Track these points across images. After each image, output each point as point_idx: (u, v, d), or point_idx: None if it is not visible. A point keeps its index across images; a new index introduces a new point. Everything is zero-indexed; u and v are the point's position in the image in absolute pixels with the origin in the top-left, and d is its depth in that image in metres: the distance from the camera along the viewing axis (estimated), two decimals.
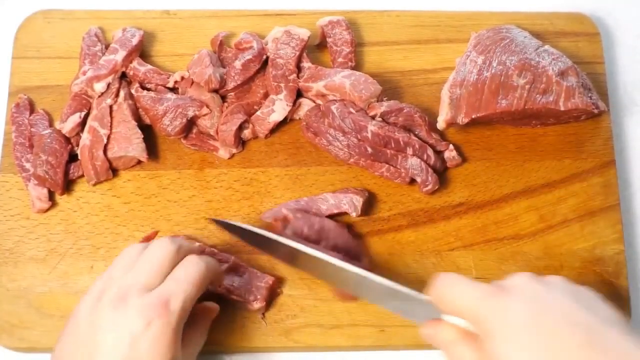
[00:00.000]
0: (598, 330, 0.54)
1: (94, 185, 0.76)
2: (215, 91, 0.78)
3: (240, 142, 0.78)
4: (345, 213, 0.74)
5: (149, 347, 0.59)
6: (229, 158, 0.77)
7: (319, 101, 0.78)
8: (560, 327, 0.54)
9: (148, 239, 0.73)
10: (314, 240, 0.71)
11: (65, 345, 0.61)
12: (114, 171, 0.76)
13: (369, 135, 0.74)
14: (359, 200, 0.74)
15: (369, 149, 0.75)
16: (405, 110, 0.76)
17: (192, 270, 0.63)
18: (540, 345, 0.53)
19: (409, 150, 0.75)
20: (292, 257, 0.69)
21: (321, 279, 0.71)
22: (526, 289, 0.57)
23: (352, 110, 0.75)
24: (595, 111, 0.75)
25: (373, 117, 0.76)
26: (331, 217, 0.74)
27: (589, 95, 0.75)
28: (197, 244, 0.73)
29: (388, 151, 0.75)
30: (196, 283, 0.63)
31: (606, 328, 0.54)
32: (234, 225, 0.71)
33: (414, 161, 0.75)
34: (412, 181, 0.76)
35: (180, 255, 0.64)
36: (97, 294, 0.62)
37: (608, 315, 0.56)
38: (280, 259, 0.71)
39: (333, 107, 0.75)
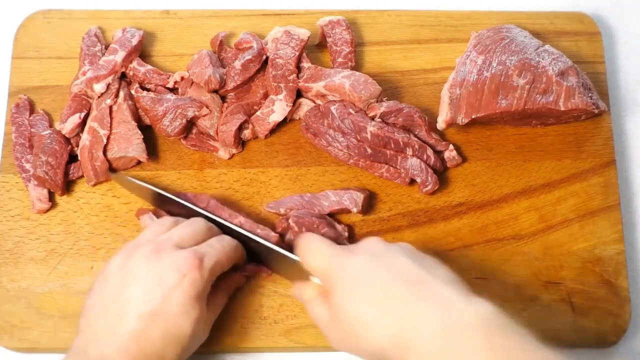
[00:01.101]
0: (429, 285, 0.58)
1: (94, 186, 0.76)
2: (215, 91, 0.78)
3: (240, 142, 0.78)
4: (346, 211, 0.74)
5: (181, 299, 0.62)
6: (228, 158, 0.77)
7: (318, 101, 0.78)
8: (394, 281, 0.58)
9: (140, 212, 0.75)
10: None
11: (95, 301, 0.63)
12: (115, 172, 0.76)
13: (369, 136, 0.74)
14: (359, 197, 0.74)
15: (369, 150, 0.75)
16: (404, 111, 0.76)
17: (225, 242, 0.68)
18: (372, 297, 0.58)
19: (409, 151, 0.75)
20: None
21: None
22: (370, 248, 0.62)
23: (351, 111, 0.75)
24: (596, 111, 0.75)
25: (372, 118, 0.76)
26: (332, 214, 0.74)
27: (589, 95, 0.75)
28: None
29: (388, 152, 0.75)
30: (227, 253, 0.67)
31: (437, 284, 0.58)
32: (136, 184, 0.74)
33: (413, 162, 0.75)
34: (412, 182, 0.76)
35: (211, 235, 0.68)
36: (127, 253, 0.64)
37: (442, 274, 0.60)
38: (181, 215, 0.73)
39: (332, 108, 0.75)
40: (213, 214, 0.72)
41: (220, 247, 0.66)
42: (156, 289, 0.61)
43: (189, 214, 0.72)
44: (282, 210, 0.74)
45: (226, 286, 0.70)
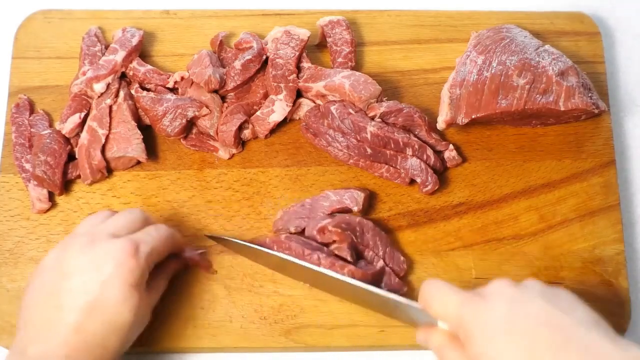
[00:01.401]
0: (574, 331, 0.55)
1: (90, 184, 0.76)
2: (215, 91, 0.78)
3: (240, 142, 0.78)
4: (347, 210, 0.74)
5: (118, 287, 0.61)
6: (228, 158, 0.77)
7: (318, 101, 0.78)
8: (537, 329, 0.56)
9: None
10: None
11: (32, 298, 0.63)
12: (112, 171, 0.76)
13: (368, 136, 0.74)
14: (360, 196, 0.74)
15: (368, 150, 0.75)
16: (404, 111, 0.76)
17: (161, 230, 0.67)
18: (519, 345, 0.55)
19: (409, 151, 0.75)
20: (283, 267, 0.72)
21: (315, 287, 0.73)
22: (503, 293, 0.59)
23: (351, 111, 0.75)
24: (596, 111, 0.75)
25: (372, 118, 0.76)
26: (333, 213, 0.75)
27: (589, 95, 0.75)
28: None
29: (387, 152, 0.75)
30: (163, 240, 0.66)
31: (582, 329, 0.55)
32: (229, 240, 0.73)
33: (413, 162, 0.75)
34: (412, 182, 0.76)
35: (147, 224, 0.68)
36: (62, 246, 0.64)
37: (584, 317, 0.57)
38: (273, 268, 0.73)
39: (332, 108, 0.75)
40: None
41: (156, 235, 0.66)
42: (93, 279, 0.61)
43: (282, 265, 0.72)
44: (292, 229, 0.74)
45: (165, 271, 0.70)
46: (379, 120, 0.76)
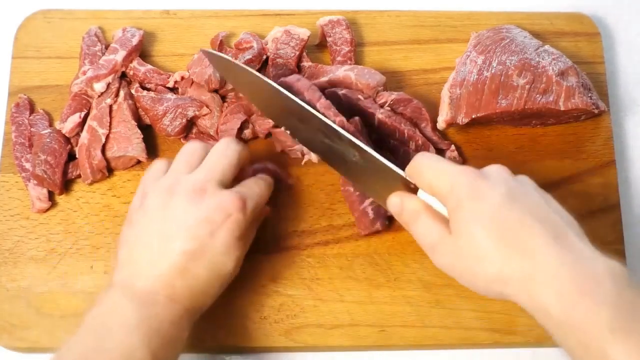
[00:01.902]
0: (563, 230, 0.57)
1: (90, 184, 0.76)
2: (215, 91, 0.78)
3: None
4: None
5: (225, 237, 0.63)
6: None
7: None
8: (530, 221, 0.57)
9: None
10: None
11: (136, 236, 0.65)
12: (112, 171, 0.76)
13: (376, 122, 0.74)
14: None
15: (373, 135, 0.75)
16: (413, 102, 0.76)
17: (261, 183, 0.69)
18: (505, 232, 0.57)
19: (412, 145, 0.75)
20: (274, 106, 0.72)
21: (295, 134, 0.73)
22: (503, 177, 0.61)
23: (360, 97, 0.75)
24: (595, 111, 0.75)
25: (381, 106, 0.76)
26: None
27: (589, 95, 0.75)
28: None
29: (391, 141, 0.75)
30: (264, 195, 0.69)
31: (571, 233, 0.57)
32: (223, 59, 0.73)
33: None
34: None
35: (242, 156, 0.68)
36: (166, 188, 0.65)
37: (575, 226, 0.59)
38: (265, 110, 0.73)
39: (341, 93, 0.75)
40: (304, 101, 0.70)
41: (259, 190, 0.68)
42: (202, 227, 0.63)
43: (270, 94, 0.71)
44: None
45: (256, 220, 0.71)
46: (388, 108, 0.76)
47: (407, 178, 0.66)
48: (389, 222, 0.74)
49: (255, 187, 0.68)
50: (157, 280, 0.62)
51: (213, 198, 0.64)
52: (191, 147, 0.69)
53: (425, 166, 0.64)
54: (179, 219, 0.63)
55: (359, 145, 0.68)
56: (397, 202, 0.67)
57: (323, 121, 0.69)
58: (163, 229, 0.63)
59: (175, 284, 0.62)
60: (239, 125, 0.76)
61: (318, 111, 0.70)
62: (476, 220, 0.58)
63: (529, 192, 0.60)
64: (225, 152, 0.67)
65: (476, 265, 0.58)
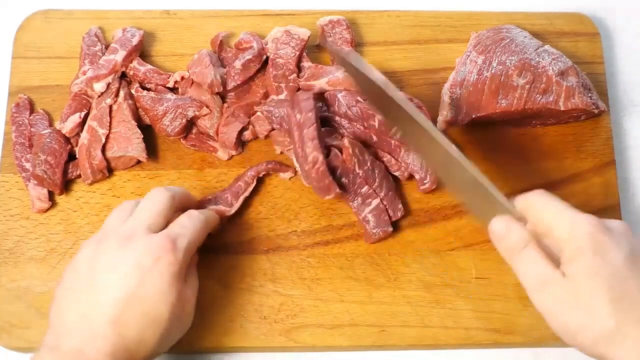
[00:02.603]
0: None
1: (90, 184, 0.76)
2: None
3: (241, 144, 0.78)
4: None
5: (156, 282, 0.61)
6: (228, 159, 0.77)
7: None
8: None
9: None
10: None
11: (65, 293, 0.63)
12: (112, 171, 0.76)
13: (376, 124, 0.74)
14: None
15: (374, 137, 0.75)
16: (414, 102, 0.76)
17: (195, 218, 0.67)
18: (628, 296, 0.55)
19: None
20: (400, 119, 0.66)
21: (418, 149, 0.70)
22: (626, 237, 0.58)
23: (359, 99, 0.75)
24: (595, 111, 0.75)
25: None
26: None
27: (589, 95, 0.75)
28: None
29: (392, 142, 0.75)
30: (198, 230, 0.66)
31: None
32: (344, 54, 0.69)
33: (415, 157, 0.75)
34: (411, 177, 0.76)
35: (176, 201, 0.67)
36: (96, 244, 0.64)
37: None
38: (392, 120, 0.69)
39: (340, 95, 0.75)
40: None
41: (192, 226, 0.66)
42: (131, 273, 0.61)
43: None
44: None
45: (193, 263, 0.68)
46: None
47: (519, 210, 0.61)
48: (392, 229, 0.74)
49: (188, 224, 0.66)
50: (86, 336, 0.59)
51: (140, 242, 0.62)
52: (122, 204, 0.68)
53: (544, 204, 0.60)
54: (107, 269, 0.61)
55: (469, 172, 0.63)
56: (501, 228, 0.61)
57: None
58: (92, 280, 0.61)
59: (107, 334, 0.59)
60: (239, 129, 0.76)
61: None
62: (597, 274, 0.55)
63: None
64: (153, 198, 0.66)
65: (587, 317, 0.55)
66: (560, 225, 0.58)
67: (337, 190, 0.71)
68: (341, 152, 0.74)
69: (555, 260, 0.58)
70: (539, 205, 0.61)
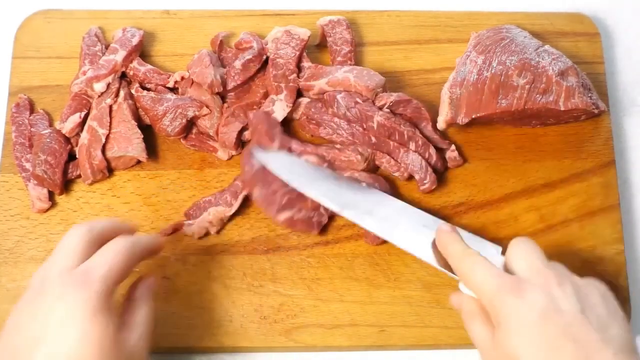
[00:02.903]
0: (600, 353, 0.55)
1: (91, 184, 0.76)
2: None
3: (241, 143, 0.78)
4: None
5: (75, 324, 0.54)
6: (228, 159, 0.77)
7: None
8: (565, 343, 0.55)
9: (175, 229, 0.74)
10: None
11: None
12: (112, 171, 0.76)
13: (375, 125, 0.74)
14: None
15: (373, 139, 0.75)
16: (413, 103, 0.76)
17: (117, 244, 0.60)
18: (544, 352, 0.56)
19: (412, 145, 0.75)
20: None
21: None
22: (541, 291, 0.58)
23: (358, 100, 0.75)
24: (595, 111, 0.75)
25: (380, 108, 0.76)
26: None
27: (589, 95, 0.75)
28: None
29: (391, 142, 0.75)
30: (121, 256, 0.59)
31: (608, 352, 0.55)
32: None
33: (414, 157, 0.75)
34: (411, 177, 0.76)
35: (95, 234, 0.61)
36: (17, 303, 0.59)
37: (617, 339, 0.57)
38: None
39: (339, 97, 0.75)
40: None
41: (111, 254, 0.59)
42: (46, 324, 0.55)
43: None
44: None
45: (143, 299, 0.63)
46: (387, 110, 0.76)
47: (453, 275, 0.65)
48: None
49: (107, 252, 0.59)
50: None
51: (51, 287, 0.56)
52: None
53: (467, 273, 0.62)
54: (22, 327, 0.56)
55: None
56: (456, 301, 0.66)
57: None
58: (8, 344, 0.56)
59: None
60: (239, 129, 0.76)
61: None
62: (510, 341, 0.57)
63: (568, 303, 0.58)
64: (66, 238, 0.60)
65: None
66: (485, 286, 0.60)
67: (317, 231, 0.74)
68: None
69: None
70: (464, 279, 0.63)
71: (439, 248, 0.67)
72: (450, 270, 0.66)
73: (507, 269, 0.62)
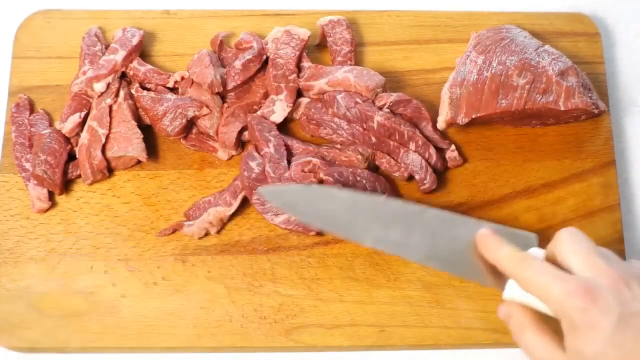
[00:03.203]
0: None
1: (90, 184, 0.76)
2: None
3: (241, 143, 0.78)
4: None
5: None
6: (227, 159, 0.77)
7: None
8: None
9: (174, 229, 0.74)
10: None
11: None
12: (112, 171, 0.76)
13: (375, 125, 0.74)
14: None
15: (373, 139, 0.75)
16: (413, 103, 0.76)
17: None
18: (622, 354, 0.55)
19: (412, 145, 0.75)
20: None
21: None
22: (614, 297, 0.57)
23: (358, 100, 0.75)
24: (595, 111, 0.75)
25: (380, 108, 0.76)
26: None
27: (589, 95, 0.75)
28: None
29: (391, 142, 0.75)
30: None
31: None
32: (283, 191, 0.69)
33: (414, 157, 0.75)
34: (411, 177, 0.76)
35: None
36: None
37: None
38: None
39: (339, 97, 0.75)
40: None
41: None
42: None
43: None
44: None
45: None
46: (387, 110, 0.76)
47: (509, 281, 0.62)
48: None
49: None
50: None
51: None
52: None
53: (532, 281, 0.59)
54: None
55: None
56: (505, 312, 0.64)
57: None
58: None
59: None
60: (239, 129, 0.76)
61: None
62: (591, 349, 0.56)
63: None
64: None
65: None
66: (549, 302, 0.58)
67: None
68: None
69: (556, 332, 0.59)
70: (524, 283, 0.60)
71: (485, 255, 0.64)
72: (493, 276, 0.64)
73: (552, 261, 0.60)
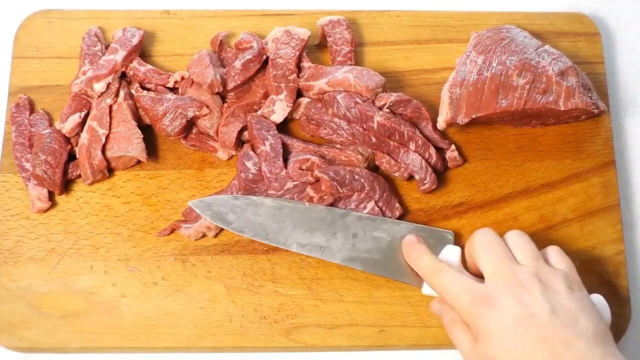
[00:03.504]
0: (574, 345, 0.58)
1: (90, 184, 0.76)
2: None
3: (241, 143, 0.78)
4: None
5: None
6: (228, 159, 0.77)
7: None
8: (537, 345, 0.58)
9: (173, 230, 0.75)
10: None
11: None
12: (112, 171, 0.76)
13: (375, 125, 0.74)
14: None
15: (373, 139, 0.75)
16: (413, 102, 0.76)
17: None
18: (521, 356, 0.59)
19: (412, 145, 0.75)
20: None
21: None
22: (511, 299, 0.61)
23: (358, 100, 0.75)
24: (595, 111, 0.75)
25: (380, 108, 0.76)
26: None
27: (589, 95, 0.75)
28: None
29: (391, 143, 0.75)
30: None
31: (581, 342, 0.58)
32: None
33: (414, 157, 0.75)
34: (411, 177, 0.76)
35: None
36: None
37: (590, 329, 0.59)
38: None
39: (339, 97, 0.75)
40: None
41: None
42: None
43: None
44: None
45: None
46: (387, 110, 0.76)
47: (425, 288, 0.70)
48: None
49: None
50: None
51: None
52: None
53: (442, 290, 0.66)
54: None
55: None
56: (437, 308, 0.70)
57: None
58: None
59: None
60: (239, 129, 0.76)
61: None
62: (489, 350, 0.61)
63: (540, 306, 0.60)
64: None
65: None
66: (461, 301, 0.63)
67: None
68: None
69: None
70: (437, 290, 0.67)
71: (408, 261, 0.71)
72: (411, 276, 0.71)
73: (470, 260, 0.68)
